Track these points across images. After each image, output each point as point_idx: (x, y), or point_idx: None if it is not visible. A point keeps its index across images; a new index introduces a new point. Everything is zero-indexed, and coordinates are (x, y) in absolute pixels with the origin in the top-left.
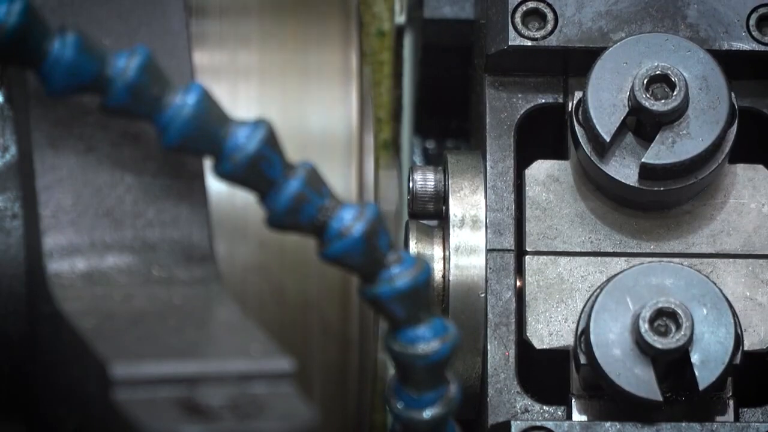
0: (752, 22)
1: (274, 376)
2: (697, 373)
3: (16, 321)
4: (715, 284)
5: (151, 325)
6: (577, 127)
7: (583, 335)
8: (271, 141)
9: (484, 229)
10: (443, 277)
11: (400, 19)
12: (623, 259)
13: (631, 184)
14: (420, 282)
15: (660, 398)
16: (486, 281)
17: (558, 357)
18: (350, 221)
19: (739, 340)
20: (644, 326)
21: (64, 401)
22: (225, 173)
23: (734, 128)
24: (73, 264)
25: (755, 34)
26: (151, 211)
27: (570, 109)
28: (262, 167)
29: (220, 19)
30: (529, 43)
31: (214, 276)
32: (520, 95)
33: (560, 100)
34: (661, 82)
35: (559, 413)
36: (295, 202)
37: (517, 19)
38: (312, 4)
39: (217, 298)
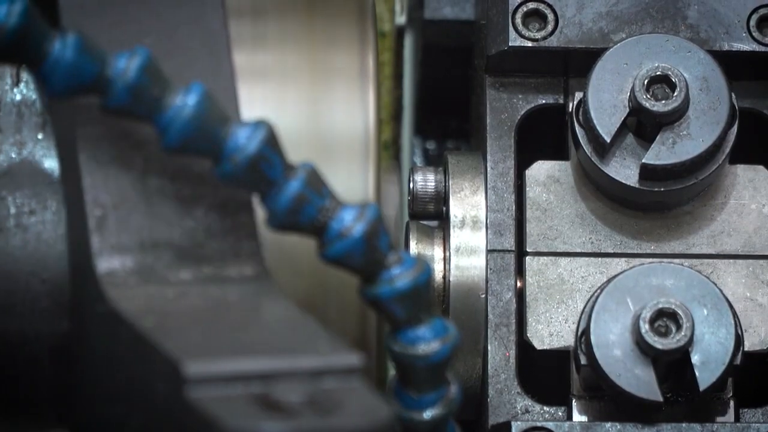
0: (752, 22)
1: (344, 372)
2: (697, 374)
3: (38, 318)
4: (715, 285)
5: (211, 323)
6: (578, 128)
7: (583, 336)
8: (271, 141)
9: (484, 229)
10: (444, 277)
11: (401, 19)
12: (623, 259)
13: (632, 184)
14: (420, 282)
15: (660, 399)
16: (486, 282)
17: (558, 357)
18: (350, 222)
19: (739, 340)
20: (645, 327)
21: (124, 401)
22: (225, 174)
23: (735, 129)
24: (123, 263)
25: (756, 34)
26: (199, 210)
27: (570, 110)
28: (262, 168)
29: (237, 19)
30: (530, 44)
31: (264, 272)
32: (520, 96)
33: (561, 101)
34: (661, 82)
35: (560, 414)
36: (295, 202)
37: (518, 19)
38: (329, 4)
39: (271, 295)
